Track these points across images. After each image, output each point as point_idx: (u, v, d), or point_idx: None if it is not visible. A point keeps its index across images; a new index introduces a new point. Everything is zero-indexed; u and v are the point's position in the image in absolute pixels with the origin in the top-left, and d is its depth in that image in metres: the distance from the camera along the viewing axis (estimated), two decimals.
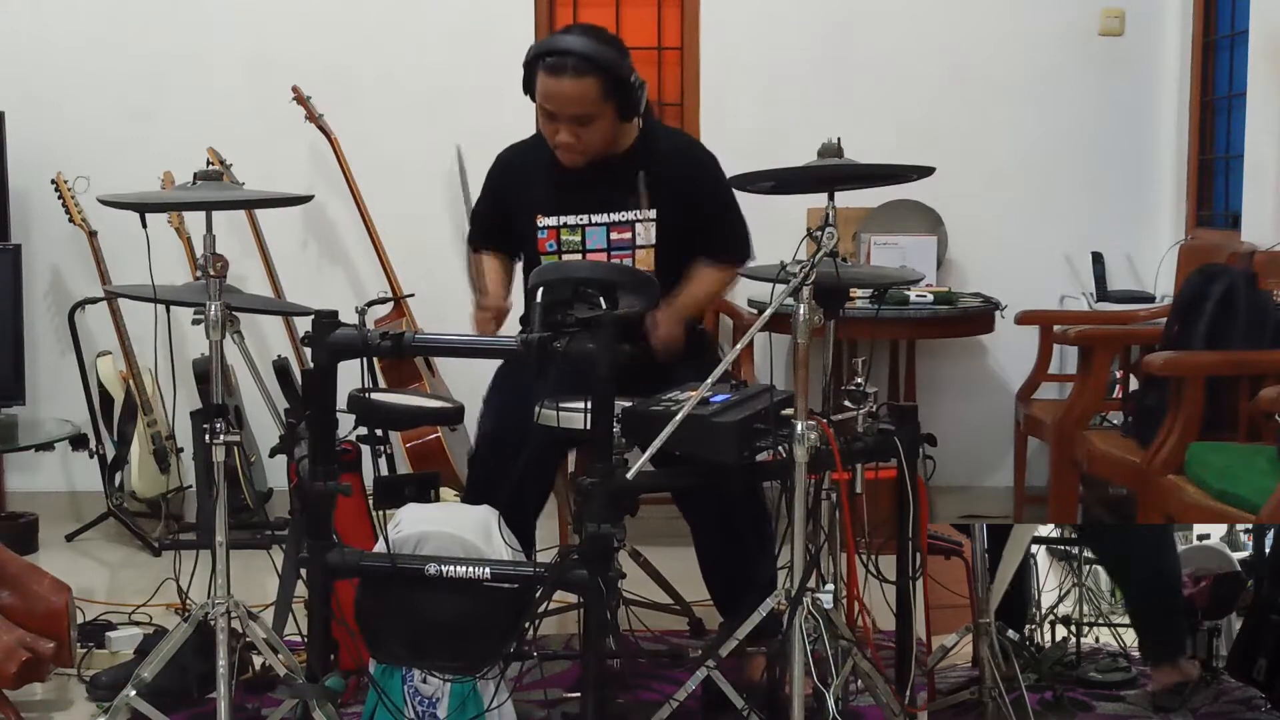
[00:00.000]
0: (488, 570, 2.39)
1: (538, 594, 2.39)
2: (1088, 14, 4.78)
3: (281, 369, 4.43)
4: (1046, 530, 2.87)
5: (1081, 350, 4.02)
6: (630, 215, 3.04)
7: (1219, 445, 3.25)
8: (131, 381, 4.42)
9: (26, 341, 4.53)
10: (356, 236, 4.63)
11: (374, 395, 2.67)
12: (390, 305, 4.41)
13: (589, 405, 2.31)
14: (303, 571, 2.45)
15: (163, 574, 3.31)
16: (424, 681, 2.63)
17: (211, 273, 2.46)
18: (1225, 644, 2.70)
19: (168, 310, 2.74)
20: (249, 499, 4.39)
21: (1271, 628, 2.65)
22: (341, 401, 2.54)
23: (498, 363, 3.14)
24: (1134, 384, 3.93)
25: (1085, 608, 2.75)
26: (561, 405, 2.68)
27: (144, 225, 2.49)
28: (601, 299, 2.35)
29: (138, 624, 3.41)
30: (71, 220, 4.46)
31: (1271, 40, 4.00)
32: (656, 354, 2.94)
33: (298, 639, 2.60)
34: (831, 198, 2.38)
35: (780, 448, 2.39)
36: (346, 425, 2.64)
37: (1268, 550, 2.71)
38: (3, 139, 4.48)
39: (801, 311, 2.35)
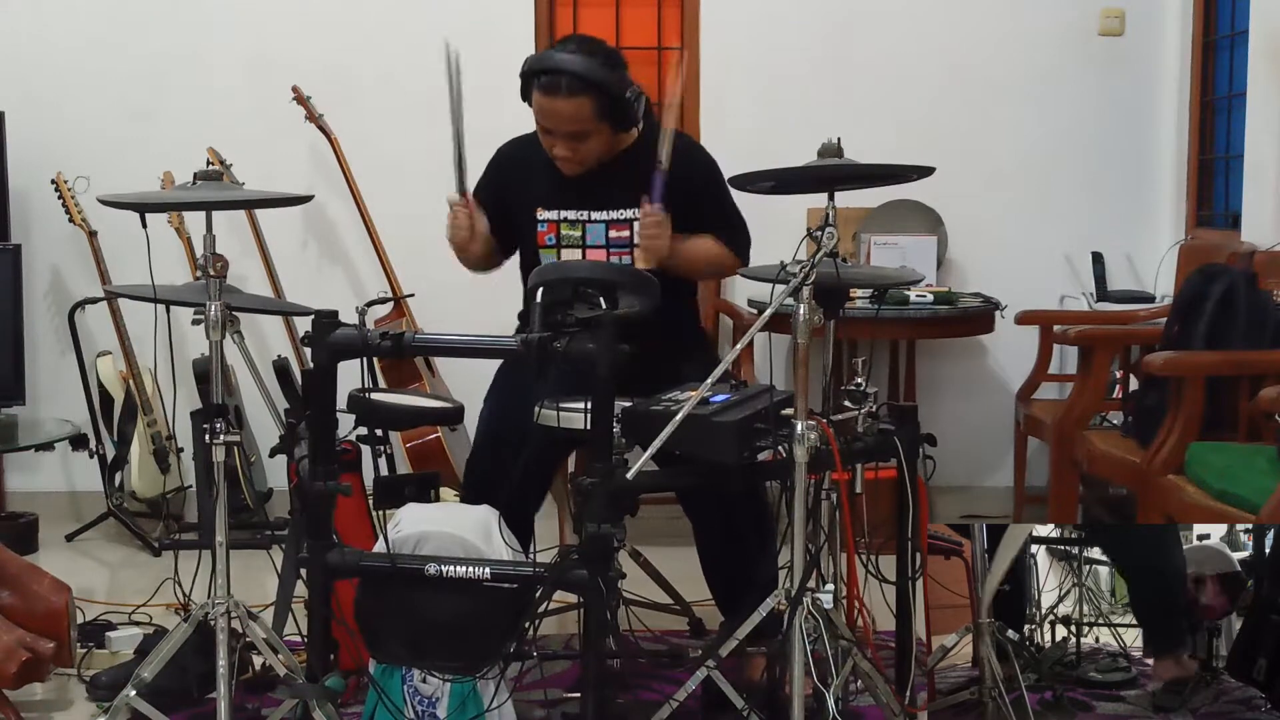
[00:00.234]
0: (488, 570, 2.39)
1: (538, 594, 2.39)
2: (1088, 14, 4.78)
3: (281, 369, 4.43)
4: (1046, 530, 2.87)
5: (1081, 350, 4.02)
6: (629, 213, 3.04)
7: (1219, 445, 3.25)
8: (131, 381, 4.42)
9: (26, 341, 4.53)
10: (356, 236, 4.63)
11: (374, 395, 2.67)
12: (390, 305, 4.41)
13: (589, 405, 2.31)
14: (303, 571, 2.45)
15: (163, 574, 3.31)
16: (424, 681, 2.63)
17: (211, 273, 2.46)
18: (1225, 644, 2.70)
19: (168, 310, 2.74)
20: (249, 499, 4.39)
21: (1271, 628, 2.65)
22: (341, 401, 2.54)
23: (498, 363, 3.15)
24: (1134, 384, 3.93)
25: (1085, 608, 2.75)
26: (561, 405, 2.68)
27: (144, 225, 2.49)
28: (601, 299, 2.35)
29: (138, 624, 3.41)
30: (71, 220, 4.46)
31: (1271, 40, 4.00)
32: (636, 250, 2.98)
33: (298, 639, 2.60)
34: (831, 198, 2.38)
35: (780, 448, 2.39)
36: (346, 425, 2.64)
37: (1268, 550, 2.71)
38: (3, 139, 4.48)
39: (801, 311, 2.35)
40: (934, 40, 4.77)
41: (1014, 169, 4.81)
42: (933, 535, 2.72)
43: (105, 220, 4.32)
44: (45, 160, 4.53)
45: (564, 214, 3.08)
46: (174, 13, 4.69)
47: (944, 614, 2.73)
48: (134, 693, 2.55)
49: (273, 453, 2.67)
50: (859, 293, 3.90)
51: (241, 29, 4.69)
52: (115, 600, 3.70)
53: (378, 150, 4.64)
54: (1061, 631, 2.75)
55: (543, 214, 3.09)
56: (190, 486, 4.57)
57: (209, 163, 4.41)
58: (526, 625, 2.40)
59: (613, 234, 3.07)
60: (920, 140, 4.62)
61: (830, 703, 2.38)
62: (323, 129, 4.51)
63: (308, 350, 2.46)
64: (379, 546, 2.53)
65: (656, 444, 2.32)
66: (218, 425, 2.46)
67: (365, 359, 2.46)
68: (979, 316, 4.40)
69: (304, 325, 2.45)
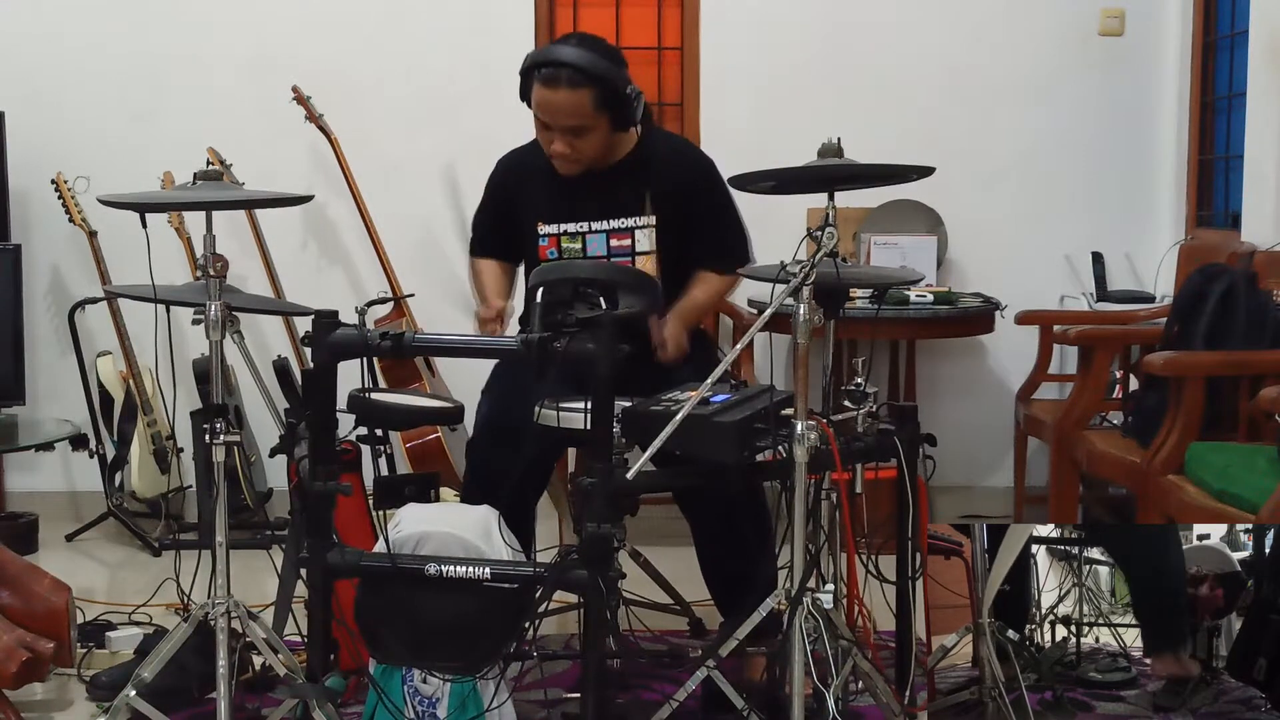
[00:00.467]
0: (488, 570, 2.39)
1: (538, 594, 2.39)
2: (1088, 14, 4.77)
3: (281, 369, 4.43)
4: (1046, 530, 2.87)
5: (1081, 350, 4.02)
6: (630, 222, 3.05)
7: (1219, 445, 3.25)
8: (131, 381, 4.42)
9: (26, 341, 4.53)
10: (356, 236, 4.63)
11: (374, 395, 2.67)
12: (390, 305, 4.40)
13: (589, 405, 2.31)
14: (303, 571, 2.45)
15: (163, 574, 3.31)
16: (424, 681, 2.63)
17: (211, 273, 2.46)
18: (1225, 644, 2.70)
19: (168, 310, 2.74)
20: (249, 499, 4.39)
21: (1271, 628, 2.65)
22: (341, 401, 2.54)
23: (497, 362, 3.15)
24: (1134, 384, 3.93)
25: (1085, 608, 2.75)
26: (561, 405, 2.68)
27: (144, 225, 2.49)
28: (601, 299, 2.35)
29: (138, 624, 3.41)
30: (71, 220, 4.46)
31: (1271, 40, 4.00)
32: (661, 360, 2.95)
33: (298, 639, 2.60)
34: (831, 198, 2.38)
35: (780, 448, 2.39)
36: (346, 425, 2.64)
37: (1268, 550, 2.71)
38: (3, 139, 4.48)
39: (801, 311, 2.35)
40: (934, 40, 4.77)
41: (1014, 169, 4.81)
42: (933, 535, 2.72)
43: (105, 220, 4.31)
44: (45, 160, 4.53)
45: (564, 227, 3.08)
46: (174, 13, 4.69)
47: (944, 614, 2.73)
48: (134, 693, 2.54)
49: (273, 453, 2.67)
50: (859, 293, 3.90)
51: (241, 29, 4.69)
52: (115, 600, 3.70)
53: (378, 150, 4.64)
54: (1061, 631, 2.75)
55: (544, 228, 3.09)
56: (190, 486, 4.57)
57: (209, 163, 4.41)
58: (526, 625, 2.40)
59: (614, 243, 3.08)
60: (920, 140, 4.62)
61: (830, 703, 2.38)
62: (323, 129, 4.51)
63: (308, 350, 2.46)
64: (379, 546, 2.53)
65: (657, 444, 2.31)
66: (218, 425, 2.46)
67: (365, 359, 2.46)
68: (979, 316, 4.40)
69: (304, 325, 2.45)
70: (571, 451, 3.54)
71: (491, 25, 4.68)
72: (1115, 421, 3.87)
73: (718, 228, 3.12)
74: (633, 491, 2.35)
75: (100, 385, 4.46)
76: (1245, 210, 4.19)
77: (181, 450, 4.49)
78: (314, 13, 4.70)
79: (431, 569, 2.38)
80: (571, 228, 3.08)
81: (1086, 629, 2.74)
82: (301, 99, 4.52)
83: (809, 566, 2.45)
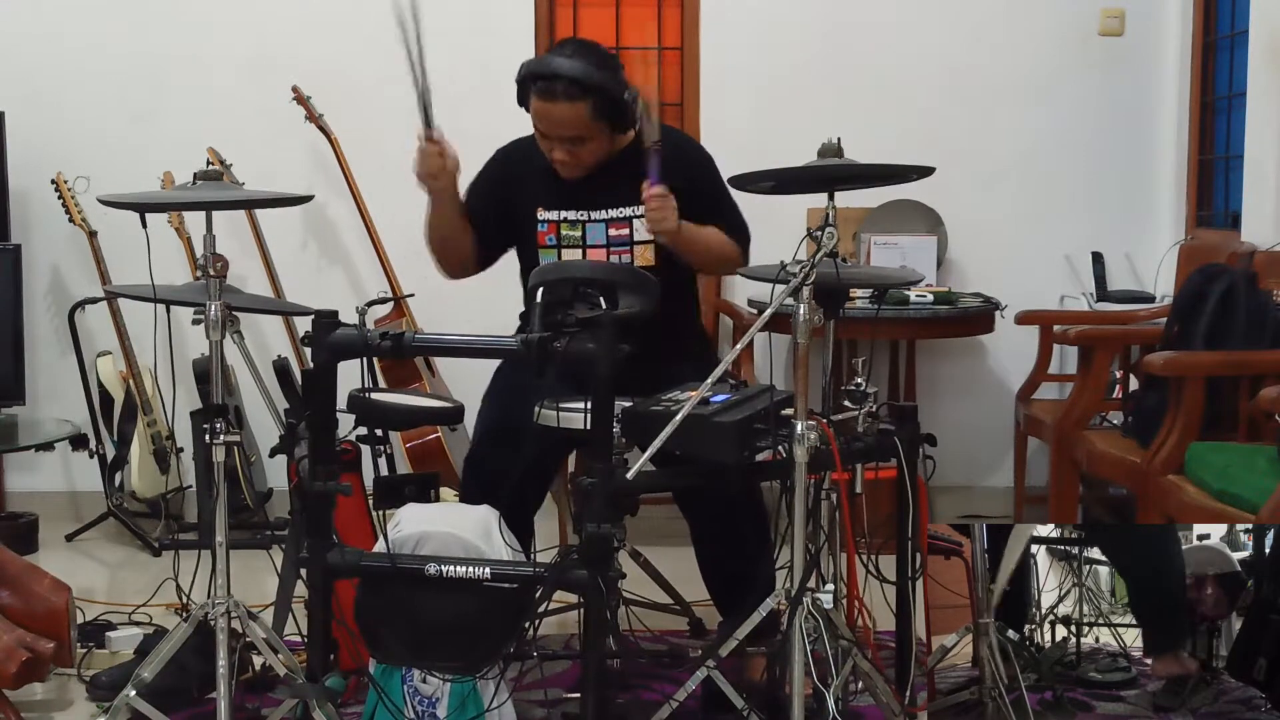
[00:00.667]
0: (488, 570, 2.39)
1: (538, 594, 2.39)
2: (1088, 14, 4.77)
3: (281, 369, 4.43)
4: (1046, 530, 2.87)
5: (1081, 350, 4.02)
6: (629, 211, 3.05)
7: (1219, 445, 3.25)
8: (131, 381, 4.42)
9: (26, 341, 4.53)
10: (356, 236, 4.63)
11: (374, 395, 2.67)
12: (390, 305, 4.41)
13: (589, 405, 2.31)
14: (303, 571, 2.45)
15: (163, 574, 3.31)
16: (424, 681, 2.63)
17: (211, 273, 2.46)
18: (1225, 644, 2.70)
19: (168, 310, 2.74)
20: (249, 499, 4.39)
21: (1271, 628, 2.65)
22: (341, 401, 2.54)
23: (498, 363, 3.15)
24: (1134, 384, 3.93)
25: (1085, 608, 2.75)
26: (561, 405, 2.68)
27: (144, 225, 2.49)
28: (601, 299, 2.35)
29: (138, 624, 3.41)
30: (71, 220, 4.46)
31: (1271, 40, 4.00)
32: (646, 212, 2.94)
33: (298, 639, 2.60)
34: (831, 198, 2.38)
35: (780, 448, 2.39)
36: (346, 425, 2.64)
37: (1268, 550, 2.71)
38: (3, 139, 4.48)
39: (801, 311, 2.35)
40: (934, 40, 4.77)
41: (1014, 169, 4.81)
42: (933, 535, 2.72)
43: (105, 220, 4.32)
44: (45, 160, 4.53)
45: (564, 214, 3.08)
46: (174, 13, 4.69)
47: (944, 614, 2.73)
48: (134, 693, 2.54)
49: (273, 453, 2.67)
50: (859, 293, 3.90)
51: (241, 29, 4.69)
52: (115, 600, 3.70)
53: (378, 150, 4.63)
54: (1061, 631, 2.75)
55: (543, 214, 3.09)
56: (190, 486, 4.57)
57: (209, 163, 4.41)
58: (526, 625, 2.40)
59: (612, 233, 3.08)
60: (920, 140, 4.62)
61: (830, 703, 2.38)
62: (323, 129, 4.51)
63: (308, 350, 2.46)
64: (379, 546, 2.53)
65: (657, 444, 2.32)
66: (218, 425, 2.46)
67: (365, 359, 2.46)
68: (979, 316, 4.40)
69: (304, 325, 2.45)
70: (572, 452, 3.54)
71: (491, 25, 4.68)
72: (1115, 421, 3.87)
73: (719, 211, 3.12)
74: (633, 491, 2.36)
75: (100, 385, 4.46)
76: (1245, 210, 4.19)
77: (181, 450, 4.49)
78: (314, 13, 4.70)
79: (431, 569, 2.38)
80: (571, 215, 3.08)
81: (1086, 629, 2.74)
82: (301, 99, 4.53)
83: (809, 566, 2.45)
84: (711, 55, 4.79)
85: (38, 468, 4.75)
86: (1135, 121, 4.81)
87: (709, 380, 2.36)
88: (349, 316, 2.52)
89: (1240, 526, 2.78)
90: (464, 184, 3.15)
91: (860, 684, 2.74)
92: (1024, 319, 4.43)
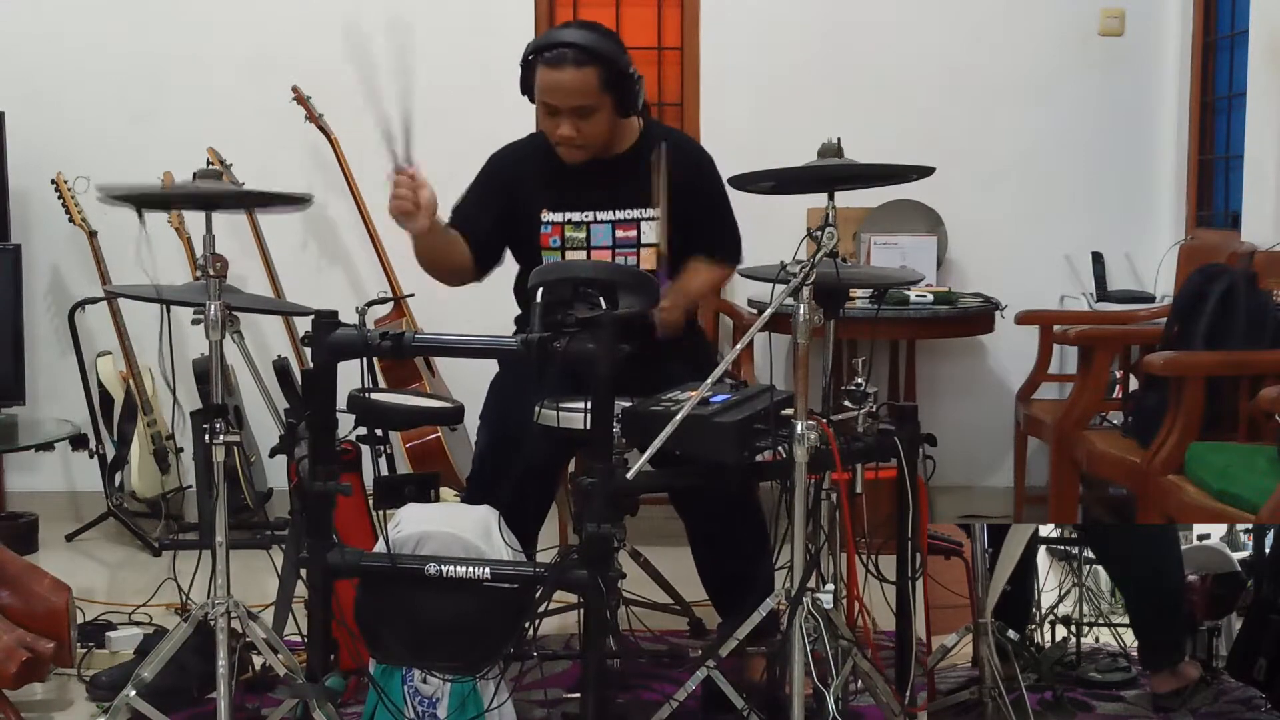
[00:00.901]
0: (488, 570, 2.39)
1: (538, 594, 2.39)
2: (1088, 14, 4.78)
3: (281, 369, 4.43)
4: (1046, 530, 2.87)
5: (1081, 350, 4.02)
6: (636, 213, 3.05)
7: (1219, 445, 3.25)
8: (131, 381, 4.42)
9: (26, 341, 4.53)
10: (356, 236, 4.63)
11: (374, 395, 2.67)
12: (390, 305, 4.41)
13: (589, 405, 2.31)
14: (303, 571, 2.45)
15: (163, 574, 3.31)
16: (424, 681, 2.63)
17: (211, 273, 2.46)
18: (1225, 644, 2.70)
19: (168, 310, 2.74)
20: (249, 499, 4.39)
21: (1271, 628, 2.65)
22: (341, 401, 2.54)
23: (497, 363, 3.14)
24: (1134, 384, 3.93)
25: (1085, 608, 2.75)
26: (561, 405, 2.68)
27: (141, 220, 2.48)
28: (601, 299, 2.35)
29: (138, 624, 3.41)
30: (71, 220, 4.46)
31: (1271, 40, 4.00)
32: (655, 334, 2.91)
33: (298, 639, 2.60)
34: (831, 198, 2.38)
35: (780, 448, 2.39)
36: (346, 425, 2.64)
37: (1268, 550, 2.71)
38: (3, 139, 4.48)
39: (801, 311, 2.35)
40: (934, 40, 4.77)
41: (1014, 169, 4.81)
42: (933, 535, 2.72)
43: (105, 220, 4.32)
44: (45, 160, 4.53)
45: (569, 215, 3.07)
46: (174, 13, 4.69)
47: (944, 614, 2.73)
48: (134, 693, 2.54)
49: (273, 453, 2.67)
50: (859, 293, 3.90)
51: (241, 29, 4.69)
52: (115, 600, 3.70)
53: (378, 150, 4.62)
54: (1061, 631, 2.75)
55: (547, 215, 3.08)
56: (190, 486, 4.57)
57: (209, 163, 4.41)
58: (526, 625, 2.40)
59: (619, 234, 3.07)
60: (920, 140, 4.62)
61: (830, 703, 2.38)
62: (323, 129, 4.51)
63: (308, 350, 2.46)
64: (379, 546, 2.53)
65: (656, 444, 2.31)
66: (218, 425, 2.46)
67: (365, 359, 2.46)
68: (979, 316, 4.40)
69: (304, 325, 2.45)
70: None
71: (491, 25, 4.68)
72: (1115, 421, 3.87)
73: (716, 222, 3.13)
74: (633, 491, 2.36)
75: (100, 385, 4.46)
76: (1245, 210, 4.19)
77: (181, 450, 4.50)
78: (314, 13, 4.70)
79: (431, 569, 2.38)
80: (576, 217, 3.07)
81: (1086, 629, 2.74)
82: (301, 99, 4.53)
83: (809, 566, 2.45)
84: (711, 55, 4.79)
85: (38, 468, 4.75)
86: (1135, 121, 4.81)
87: (709, 380, 2.36)
88: (349, 316, 2.52)
89: (1240, 526, 2.78)
90: (457, 194, 3.13)
91: (860, 684, 2.74)
92: (1024, 319, 4.44)
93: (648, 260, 3.06)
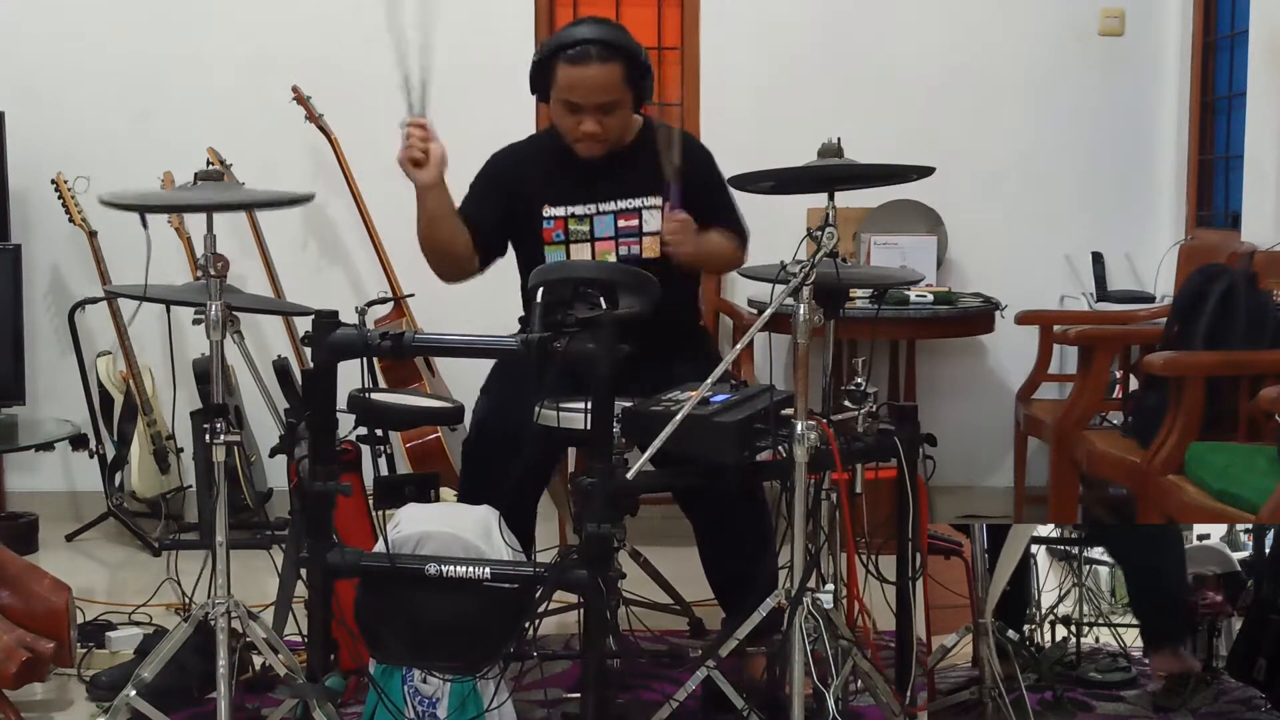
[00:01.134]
0: (488, 570, 2.39)
1: (538, 594, 2.39)
2: (1088, 14, 4.77)
3: (281, 369, 4.42)
4: (1046, 530, 2.87)
5: (1081, 350, 4.02)
6: (638, 203, 3.06)
7: (1219, 445, 3.25)
8: (131, 381, 4.42)
9: (26, 341, 4.53)
10: (356, 236, 4.63)
11: (374, 395, 2.67)
12: (390, 305, 4.40)
13: (589, 405, 2.31)
14: (303, 571, 2.45)
15: (163, 574, 3.30)
16: (424, 681, 2.63)
17: (212, 273, 2.46)
18: (1225, 644, 2.70)
19: (168, 310, 2.74)
20: (249, 499, 4.38)
21: (1271, 628, 2.65)
22: (341, 401, 2.54)
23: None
24: (1134, 384, 3.93)
25: (1085, 608, 2.75)
26: (561, 405, 2.68)
27: (145, 226, 2.48)
28: (602, 299, 2.35)
29: (138, 624, 3.41)
30: (71, 220, 4.46)
31: (1271, 40, 4.00)
32: (665, 242, 2.95)
33: (298, 639, 2.60)
34: (831, 198, 2.38)
35: (780, 448, 2.39)
36: (346, 425, 2.64)
37: (1268, 550, 2.71)
38: (3, 139, 4.48)
39: (801, 311, 2.35)
40: (934, 40, 4.77)
41: (1014, 169, 4.81)
42: (933, 535, 2.72)
43: (105, 220, 4.31)
44: (45, 160, 4.53)
45: (571, 209, 3.08)
46: (174, 13, 4.69)
47: (944, 614, 2.73)
48: (134, 693, 2.54)
49: (273, 453, 2.67)
50: (859, 293, 3.90)
51: (241, 29, 4.69)
52: (115, 600, 3.70)
53: (378, 150, 4.60)
54: (1061, 631, 2.75)
55: (550, 210, 3.08)
56: (190, 486, 4.57)
57: (209, 163, 4.41)
58: (526, 625, 2.40)
59: (622, 224, 3.08)
60: (920, 140, 4.62)
61: (830, 703, 2.38)
62: (323, 129, 4.51)
63: (308, 350, 2.46)
64: (379, 546, 2.53)
65: (656, 444, 2.32)
66: (218, 425, 2.46)
67: (365, 359, 2.46)
68: (979, 316, 4.40)
69: (304, 325, 2.45)
70: (572, 451, 3.54)
71: (491, 25, 4.68)
72: (1115, 421, 3.87)
73: (719, 209, 3.12)
74: (633, 491, 2.36)
75: (100, 385, 4.46)
76: (1245, 210, 4.19)
77: (181, 450, 4.50)
78: (314, 13, 4.70)
79: (431, 569, 2.38)
80: (579, 210, 3.07)
81: (1086, 629, 2.74)
82: (301, 99, 4.53)
83: (809, 566, 2.45)
84: (711, 55, 4.79)
85: (38, 468, 4.75)
86: (1135, 121, 4.81)
87: (709, 380, 2.36)
88: (349, 316, 2.52)
89: (1240, 526, 2.78)
90: (458, 191, 3.13)
91: (860, 684, 2.74)
92: (1024, 319, 4.44)
93: (650, 249, 3.06)
